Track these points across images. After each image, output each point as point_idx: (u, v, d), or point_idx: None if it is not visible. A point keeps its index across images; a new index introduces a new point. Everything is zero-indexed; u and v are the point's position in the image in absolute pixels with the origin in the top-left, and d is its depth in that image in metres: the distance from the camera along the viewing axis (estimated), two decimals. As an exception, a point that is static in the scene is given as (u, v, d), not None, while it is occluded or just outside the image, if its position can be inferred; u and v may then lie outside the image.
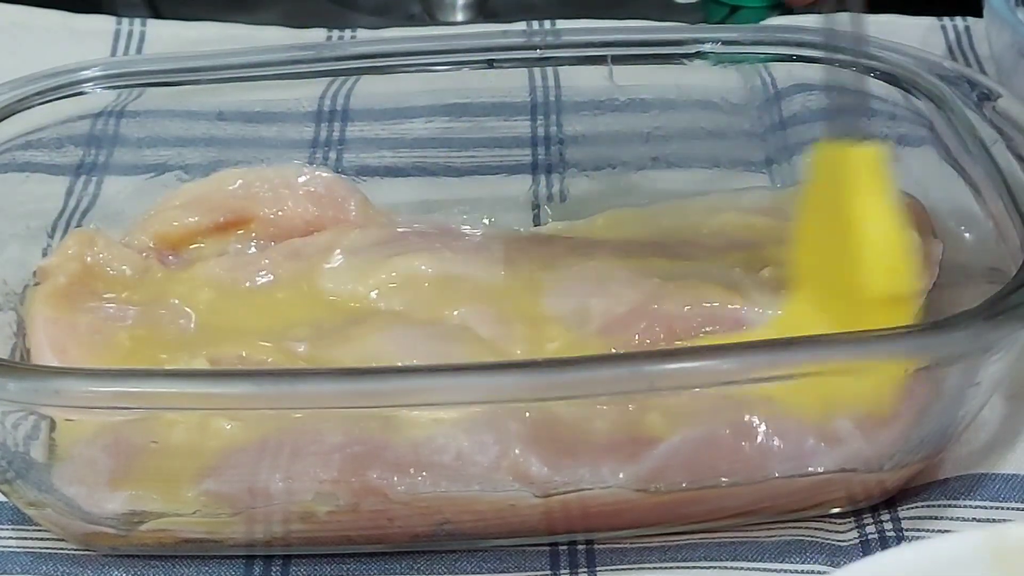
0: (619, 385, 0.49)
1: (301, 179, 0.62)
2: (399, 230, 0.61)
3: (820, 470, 0.50)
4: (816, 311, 0.52)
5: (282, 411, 0.50)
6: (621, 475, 0.50)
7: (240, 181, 0.62)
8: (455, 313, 0.56)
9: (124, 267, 0.59)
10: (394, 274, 0.58)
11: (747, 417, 0.50)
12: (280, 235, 0.61)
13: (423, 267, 0.58)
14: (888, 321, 0.49)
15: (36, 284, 0.58)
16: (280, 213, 0.61)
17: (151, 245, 0.61)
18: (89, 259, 0.59)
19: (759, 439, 0.50)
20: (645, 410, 0.51)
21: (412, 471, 0.50)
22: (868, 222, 0.51)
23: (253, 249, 0.61)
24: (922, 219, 0.57)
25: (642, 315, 0.55)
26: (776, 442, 0.50)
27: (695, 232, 0.61)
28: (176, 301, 0.58)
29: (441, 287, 0.58)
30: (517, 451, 0.50)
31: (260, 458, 0.50)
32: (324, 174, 0.63)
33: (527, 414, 0.50)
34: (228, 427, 0.50)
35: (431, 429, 0.50)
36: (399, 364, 0.53)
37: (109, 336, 0.56)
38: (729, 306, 0.55)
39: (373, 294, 0.58)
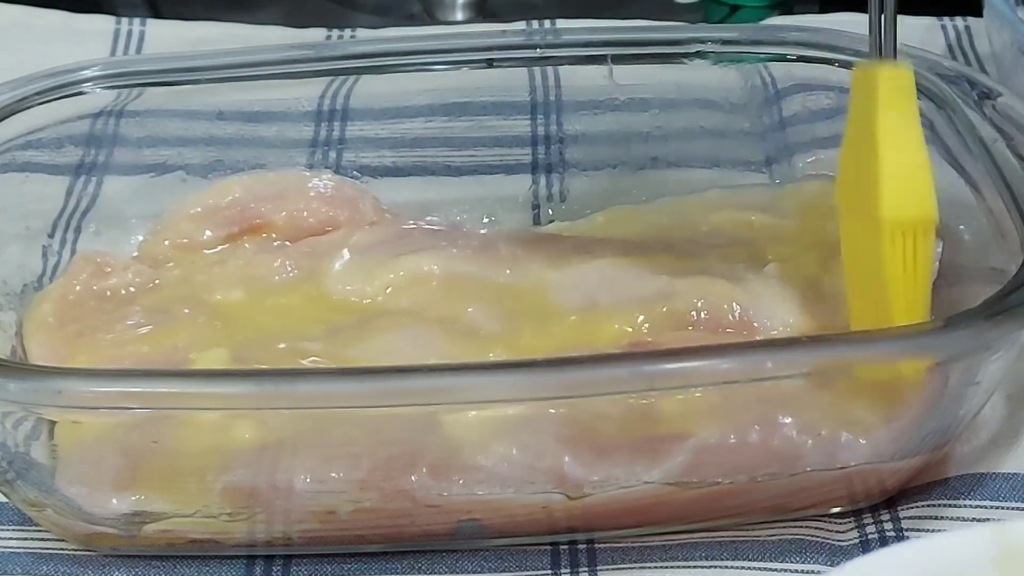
0: (619, 385, 0.49)
1: (311, 183, 0.62)
2: (405, 227, 0.61)
3: (851, 463, 0.51)
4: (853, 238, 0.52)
5: (300, 411, 0.50)
6: (655, 472, 0.50)
7: (249, 188, 0.62)
8: (465, 312, 0.56)
9: (131, 288, 0.59)
10: (402, 273, 0.58)
11: (775, 410, 0.50)
12: (298, 237, 0.61)
13: (431, 266, 0.58)
14: (909, 249, 0.49)
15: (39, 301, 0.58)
16: (296, 216, 0.62)
17: (162, 257, 0.61)
18: (95, 287, 0.59)
19: (787, 432, 0.50)
20: (675, 407, 0.51)
21: (443, 474, 0.50)
22: (885, 144, 0.50)
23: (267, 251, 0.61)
24: None
25: (650, 312, 0.55)
26: (804, 435, 0.50)
27: (697, 229, 0.61)
28: (187, 311, 0.58)
29: (449, 286, 0.58)
30: (552, 453, 0.50)
31: (284, 457, 0.50)
32: (331, 177, 0.63)
33: (557, 413, 0.50)
34: (244, 426, 0.50)
35: (463, 432, 0.50)
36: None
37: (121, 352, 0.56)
38: (736, 303, 0.55)
39: (383, 293, 0.58)
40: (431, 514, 0.50)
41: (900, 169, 0.50)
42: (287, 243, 0.61)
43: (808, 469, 0.50)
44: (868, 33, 0.52)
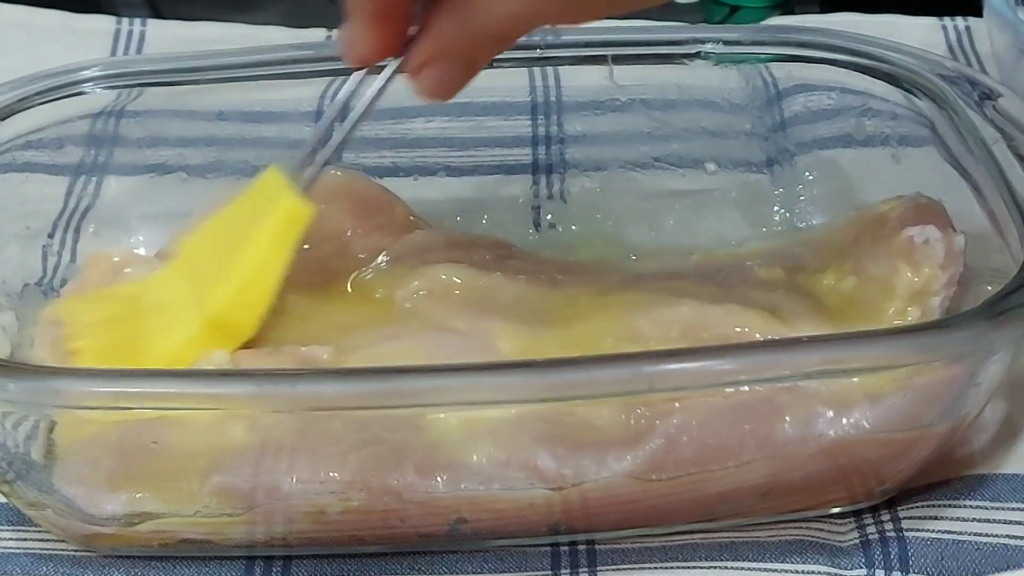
0: (619, 385, 0.49)
1: (338, 184, 0.62)
2: (448, 237, 0.61)
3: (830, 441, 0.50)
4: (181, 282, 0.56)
5: (292, 411, 0.50)
6: (628, 458, 0.50)
7: None
8: (487, 327, 0.56)
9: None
10: (433, 281, 0.58)
11: (746, 399, 0.50)
12: (319, 239, 0.60)
13: (461, 277, 0.58)
14: (199, 343, 0.53)
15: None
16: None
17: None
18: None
19: (759, 420, 0.50)
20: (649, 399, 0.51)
21: (428, 471, 0.50)
22: (257, 261, 0.54)
23: None
24: (940, 216, 0.57)
25: (692, 341, 0.54)
26: (778, 423, 0.50)
27: (730, 261, 0.61)
28: None
29: (477, 300, 0.57)
30: (527, 447, 0.50)
31: (272, 457, 0.50)
32: (355, 177, 0.63)
33: (535, 409, 0.50)
34: (238, 426, 0.50)
35: (448, 429, 0.50)
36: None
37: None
38: (771, 330, 0.54)
39: (409, 298, 0.57)
40: (422, 513, 0.50)
41: (250, 292, 0.54)
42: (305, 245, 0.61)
43: (781, 450, 0.50)
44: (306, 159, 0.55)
